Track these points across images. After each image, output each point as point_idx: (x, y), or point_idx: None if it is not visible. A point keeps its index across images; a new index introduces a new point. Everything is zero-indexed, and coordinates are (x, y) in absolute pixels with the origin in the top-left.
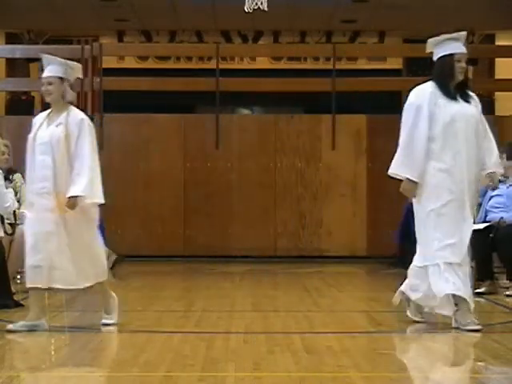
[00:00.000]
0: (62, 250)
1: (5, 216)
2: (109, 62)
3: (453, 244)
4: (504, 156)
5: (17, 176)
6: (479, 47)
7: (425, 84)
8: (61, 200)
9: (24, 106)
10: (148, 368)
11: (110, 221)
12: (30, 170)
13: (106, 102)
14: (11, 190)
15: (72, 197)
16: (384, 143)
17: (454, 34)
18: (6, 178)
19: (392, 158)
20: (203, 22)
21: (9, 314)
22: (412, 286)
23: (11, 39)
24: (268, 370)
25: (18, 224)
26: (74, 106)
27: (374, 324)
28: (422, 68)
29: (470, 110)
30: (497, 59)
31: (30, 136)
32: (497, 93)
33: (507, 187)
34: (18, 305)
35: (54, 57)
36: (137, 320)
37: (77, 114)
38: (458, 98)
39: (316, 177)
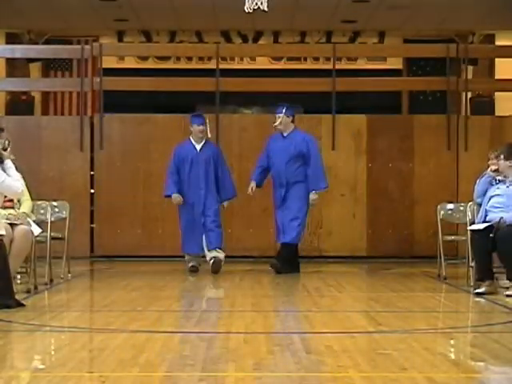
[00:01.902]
0: None
1: (7, 212)
2: (109, 62)
3: None
4: (502, 157)
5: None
6: (479, 47)
7: None
8: None
9: (24, 106)
10: (148, 368)
11: (110, 221)
12: None
13: (106, 102)
14: (12, 171)
15: None
16: (384, 143)
17: None
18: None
19: (392, 158)
20: (203, 22)
21: (10, 313)
22: None
23: (11, 39)
24: (268, 369)
25: (18, 224)
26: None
27: (374, 324)
28: (422, 68)
29: None
30: (497, 59)
31: None
32: (497, 93)
33: (507, 187)
34: (19, 304)
35: None
36: (137, 320)
37: None
38: None
39: None
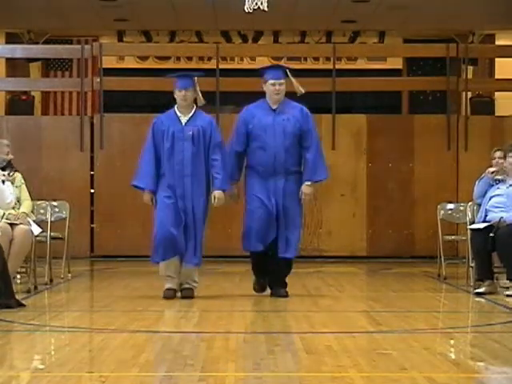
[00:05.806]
0: None
1: (6, 212)
2: (109, 62)
3: None
4: (511, 154)
5: (17, 175)
6: (479, 47)
7: None
8: None
9: (24, 106)
10: (148, 368)
11: (110, 221)
12: None
13: (105, 102)
14: (8, 183)
15: None
16: (384, 143)
17: None
18: (3, 169)
19: (392, 158)
20: (203, 22)
21: (11, 313)
22: None
23: (11, 39)
24: (268, 369)
25: (18, 224)
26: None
27: (374, 324)
28: (421, 68)
29: None
30: (497, 59)
31: None
32: (497, 93)
33: (507, 187)
34: (19, 304)
35: None
36: (137, 320)
37: None
38: None
39: None
